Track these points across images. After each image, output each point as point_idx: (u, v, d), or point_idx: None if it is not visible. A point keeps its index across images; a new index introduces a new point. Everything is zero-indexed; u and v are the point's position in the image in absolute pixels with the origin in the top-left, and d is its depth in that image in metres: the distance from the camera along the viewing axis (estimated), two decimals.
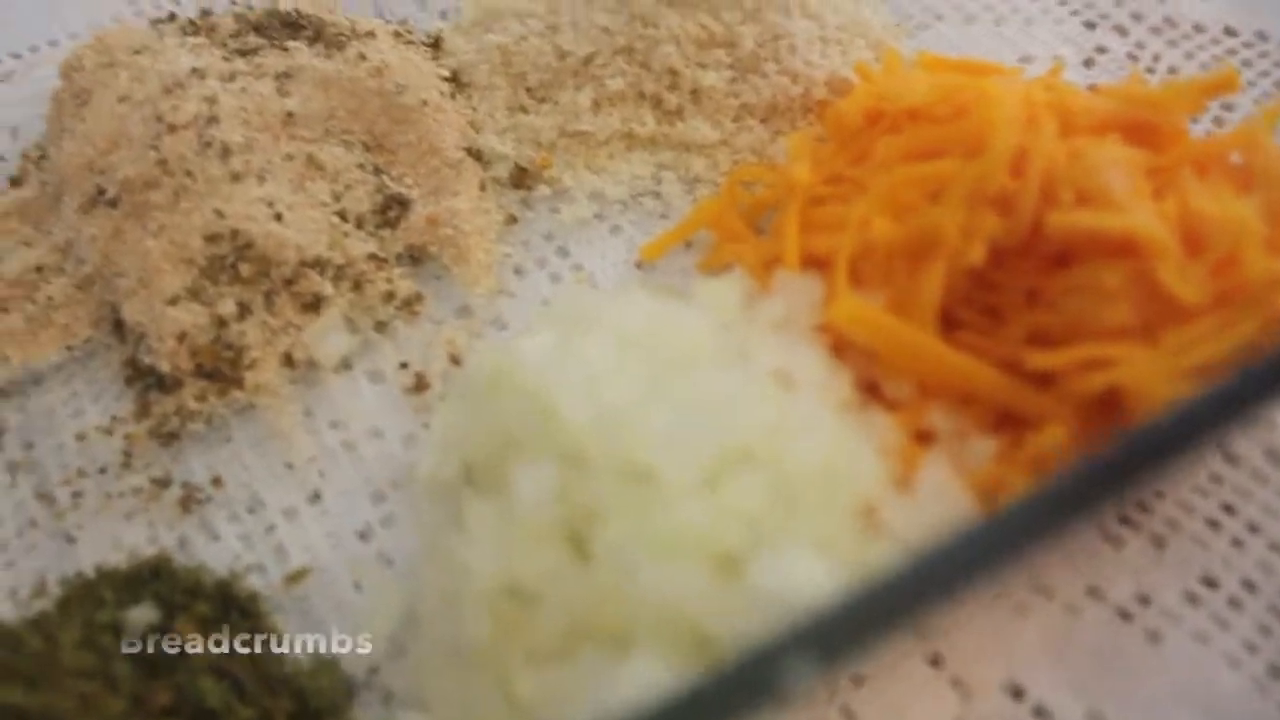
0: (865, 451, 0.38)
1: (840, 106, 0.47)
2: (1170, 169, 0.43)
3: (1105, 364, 0.39)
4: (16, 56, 0.62)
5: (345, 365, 0.49)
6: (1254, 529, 0.44)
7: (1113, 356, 0.39)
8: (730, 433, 0.36)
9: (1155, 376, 0.38)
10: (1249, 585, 0.42)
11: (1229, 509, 0.44)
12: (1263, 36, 0.59)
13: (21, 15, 0.63)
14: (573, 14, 0.53)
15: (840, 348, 0.42)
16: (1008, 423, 0.41)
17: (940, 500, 0.38)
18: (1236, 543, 0.43)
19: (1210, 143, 0.45)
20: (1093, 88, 0.56)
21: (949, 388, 0.41)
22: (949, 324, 0.42)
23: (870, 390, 0.42)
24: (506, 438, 0.39)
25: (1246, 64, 0.58)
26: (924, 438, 0.41)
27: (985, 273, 0.41)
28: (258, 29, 0.55)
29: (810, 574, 0.33)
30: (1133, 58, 0.59)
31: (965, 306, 0.42)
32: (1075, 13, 0.61)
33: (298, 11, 0.56)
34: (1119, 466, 0.31)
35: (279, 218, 0.48)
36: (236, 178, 0.48)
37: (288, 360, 0.48)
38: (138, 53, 0.53)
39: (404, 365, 0.48)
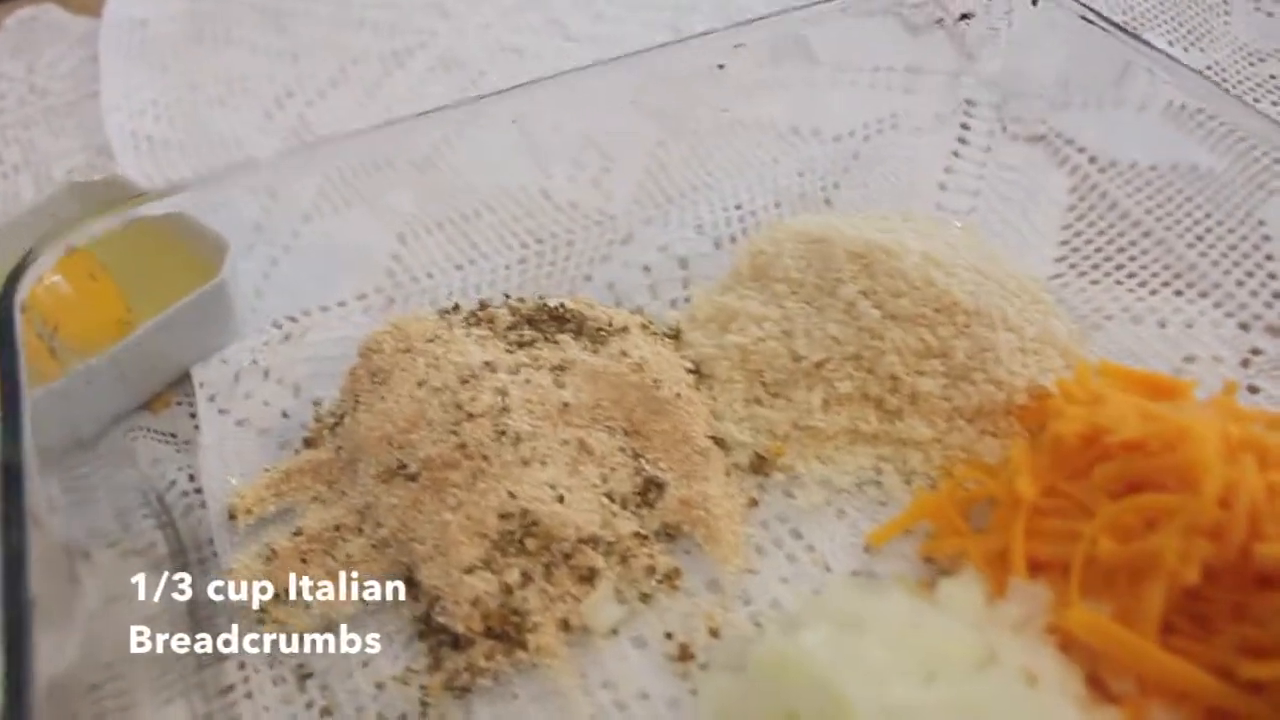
0: None
1: (1057, 429, 0.57)
2: None
3: None
4: (293, 320, 0.75)
5: (613, 631, 0.58)
6: None
7: None
8: None
9: None
10: None
11: None
12: None
13: (297, 282, 0.76)
14: (806, 323, 0.65)
15: (1065, 647, 0.52)
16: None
17: None
18: None
19: None
20: (1253, 389, 0.67)
21: (1169, 688, 0.50)
22: (1164, 629, 0.51)
23: (1094, 684, 0.51)
24: (789, 718, 0.49)
25: None
26: None
27: (1197, 587, 0.51)
28: (530, 321, 0.67)
29: None
30: None
31: (1178, 614, 0.52)
32: (1230, 315, 0.72)
33: (563, 306, 0.68)
34: None
35: (561, 499, 0.59)
36: (525, 462, 0.59)
37: (564, 626, 0.58)
38: (431, 341, 0.65)
39: (669, 635, 0.58)
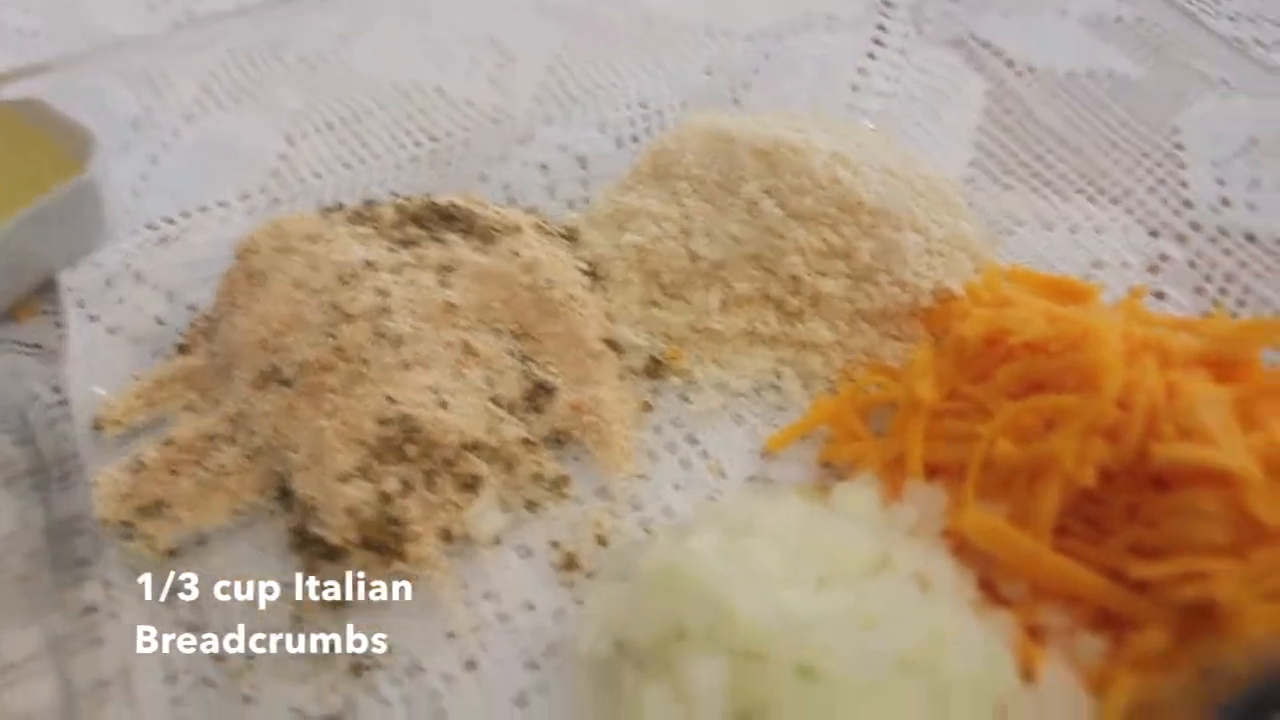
0: (1003, 655, 0.45)
1: (961, 330, 0.55)
2: (1251, 400, 0.51)
3: (1200, 577, 0.46)
4: (171, 221, 0.70)
5: (496, 541, 0.55)
6: None
7: (1207, 570, 0.46)
8: (895, 642, 0.43)
9: (1244, 591, 0.45)
10: None
11: None
12: None
13: (177, 182, 0.71)
14: (706, 222, 0.61)
15: (959, 550, 0.50)
16: (1109, 621, 0.48)
17: (1062, 698, 0.45)
18: None
19: None
20: (1158, 295, 0.65)
21: (1059, 590, 0.48)
22: (1057, 531, 0.49)
23: (985, 587, 0.49)
24: (677, 627, 0.46)
25: None
26: (1035, 634, 0.48)
27: (1093, 489, 0.49)
28: (416, 220, 0.63)
29: None
30: (1192, 265, 0.67)
31: (1071, 516, 0.49)
32: (1140, 221, 0.70)
33: (453, 204, 0.64)
34: None
35: (444, 404, 0.55)
36: (406, 366, 0.56)
37: (445, 535, 0.54)
38: (311, 240, 0.60)
39: (555, 544, 0.55)
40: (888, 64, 0.79)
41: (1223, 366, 0.52)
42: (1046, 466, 0.48)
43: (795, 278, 0.60)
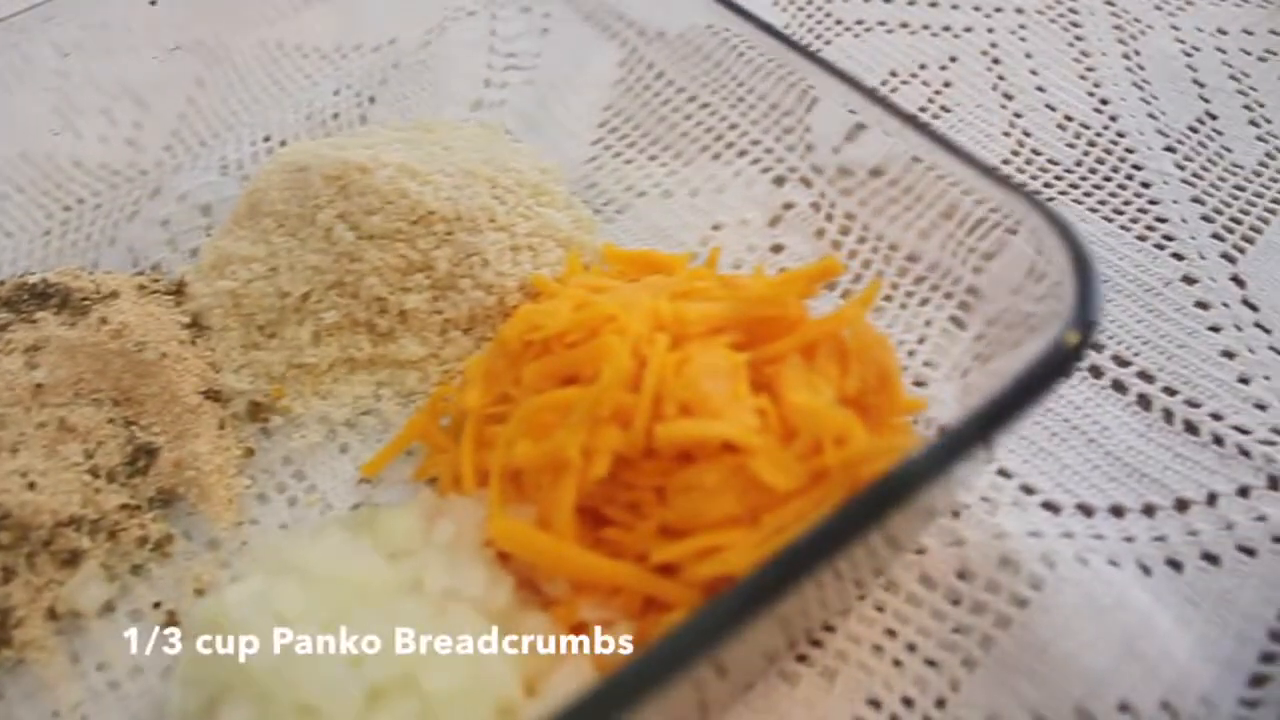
0: (505, 659, 0.46)
1: (503, 331, 0.55)
2: (779, 358, 0.51)
3: (715, 551, 0.47)
4: None
5: (108, 609, 0.56)
6: (912, 648, 0.52)
7: (721, 544, 0.47)
8: (385, 665, 0.44)
9: (751, 558, 0.46)
10: (907, 701, 0.50)
11: (891, 633, 0.52)
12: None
13: None
14: (288, 257, 0.61)
15: (505, 556, 0.50)
16: (653, 608, 0.49)
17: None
18: (897, 663, 0.52)
19: (822, 324, 0.53)
20: (776, 249, 0.65)
21: (594, 584, 0.49)
22: (599, 522, 0.50)
23: (532, 589, 0.50)
24: (219, 680, 0.47)
25: (919, 198, 0.66)
26: (580, 629, 0.49)
27: (621, 474, 0.49)
28: (7, 304, 0.63)
29: None
30: (815, 207, 0.67)
31: (610, 505, 0.50)
32: (767, 170, 0.69)
33: (45, 281, 0.63)
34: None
35: (32, 486, 0.56)
36: None
37: (51, 614, 0.55)
38: None
39: (157, 605, 0.56)
40: (523, 51, 0.78)
41: (757, 327, 0.53)
42: (560, 462, 0.49)
43: (379, 298, 0.60)
